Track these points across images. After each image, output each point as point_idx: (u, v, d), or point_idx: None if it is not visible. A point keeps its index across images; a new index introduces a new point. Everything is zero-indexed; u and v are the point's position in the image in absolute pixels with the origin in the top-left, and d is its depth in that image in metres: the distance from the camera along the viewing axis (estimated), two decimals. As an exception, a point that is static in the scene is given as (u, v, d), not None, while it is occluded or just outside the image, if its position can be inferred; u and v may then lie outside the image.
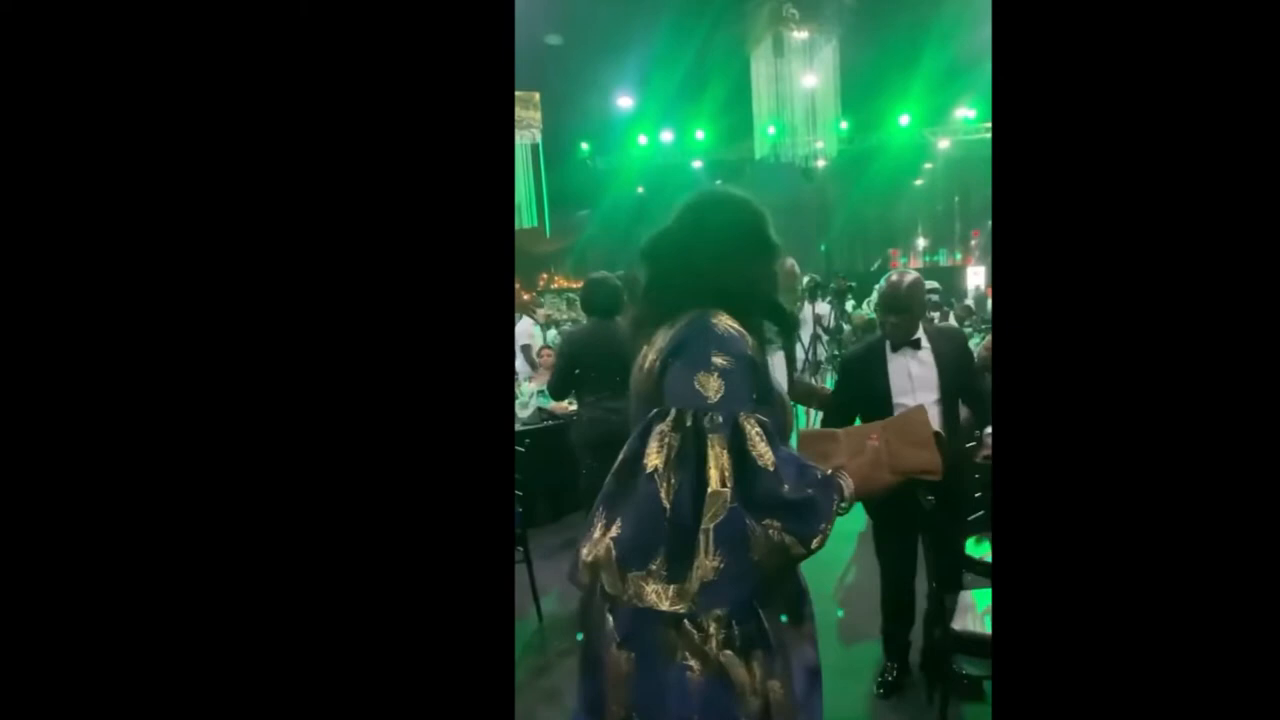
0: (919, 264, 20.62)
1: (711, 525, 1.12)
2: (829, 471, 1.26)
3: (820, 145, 12.46)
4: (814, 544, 1.18)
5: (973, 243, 20.98)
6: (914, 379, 2.39)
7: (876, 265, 20.17)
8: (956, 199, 20.51)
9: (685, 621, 1.16)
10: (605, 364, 3.33)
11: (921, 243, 22.15)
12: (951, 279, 15.55)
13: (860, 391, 2.42)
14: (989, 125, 14.70)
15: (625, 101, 14.15)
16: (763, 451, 1.16)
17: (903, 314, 2.42)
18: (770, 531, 1.14)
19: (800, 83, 10.65)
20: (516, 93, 10.96)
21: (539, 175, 10.46)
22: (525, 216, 9.86)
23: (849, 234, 19.91)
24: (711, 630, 1.16)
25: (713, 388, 1.18)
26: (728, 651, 1.17)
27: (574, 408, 3.70)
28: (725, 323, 1.25)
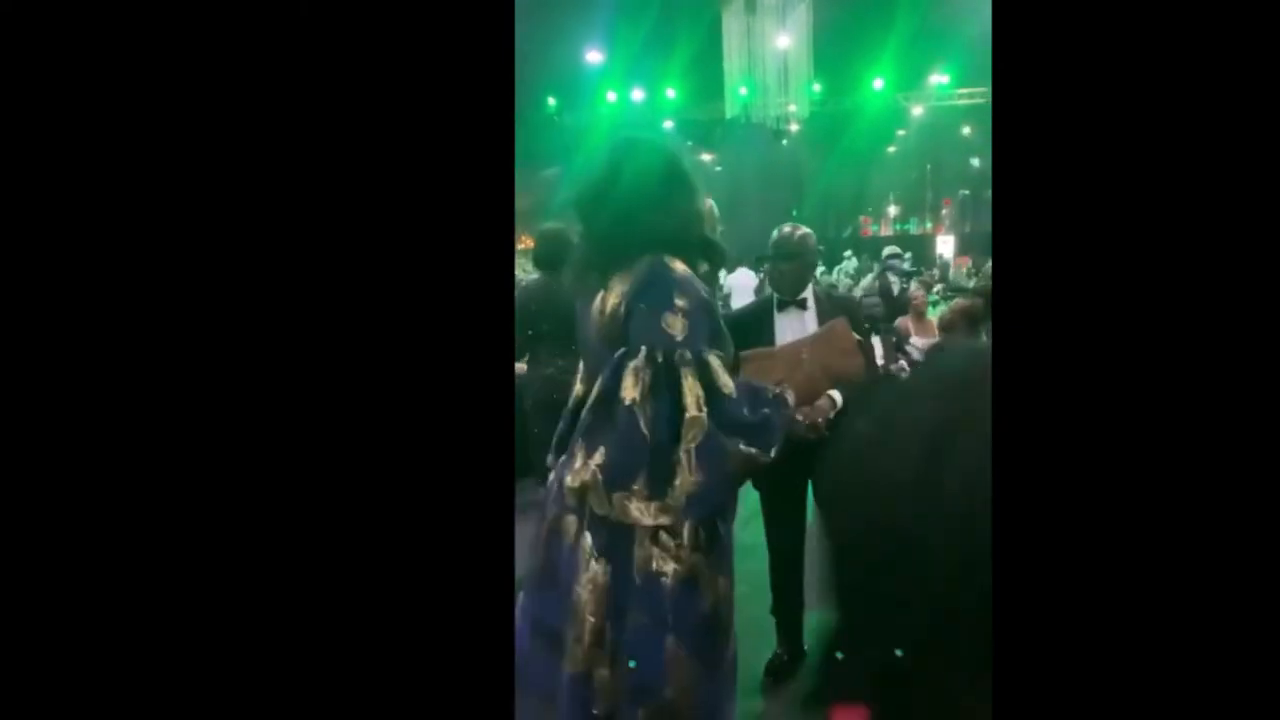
0: (890, 232, 20.61)
1: (692, 446, 1.29)
2: (776, 390, 1.47)
3: (793, 108, 12.30)
4: (773, 452, 1.39)
5: (943, 211, 21.00)
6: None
7: (848, 232, 20.14)
8: (929, 166, 20.47)
9: (662, 533, 1.31)
10: (560, 322, 3.14)
11: (893, 210, 22.15)
12: (922, 247, 15.53)
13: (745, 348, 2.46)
14: (962, 92, 14.61)
15: (594, 57, 13.81)
16: (726, 381, 1.34)
17: (792, 261, 2.46)
18: (740, 446, 1.33)
19: (773, 42, 10.44)
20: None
21: (504, 130, 10.20)
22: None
23: (821, 200, 19.79)
24: (685, 537, 1.32)
25: (678, 327, 1.33)
26: (697, 554, 1.34)
27: (524, 369, 3.52)
28: (680, 267, 1.38)
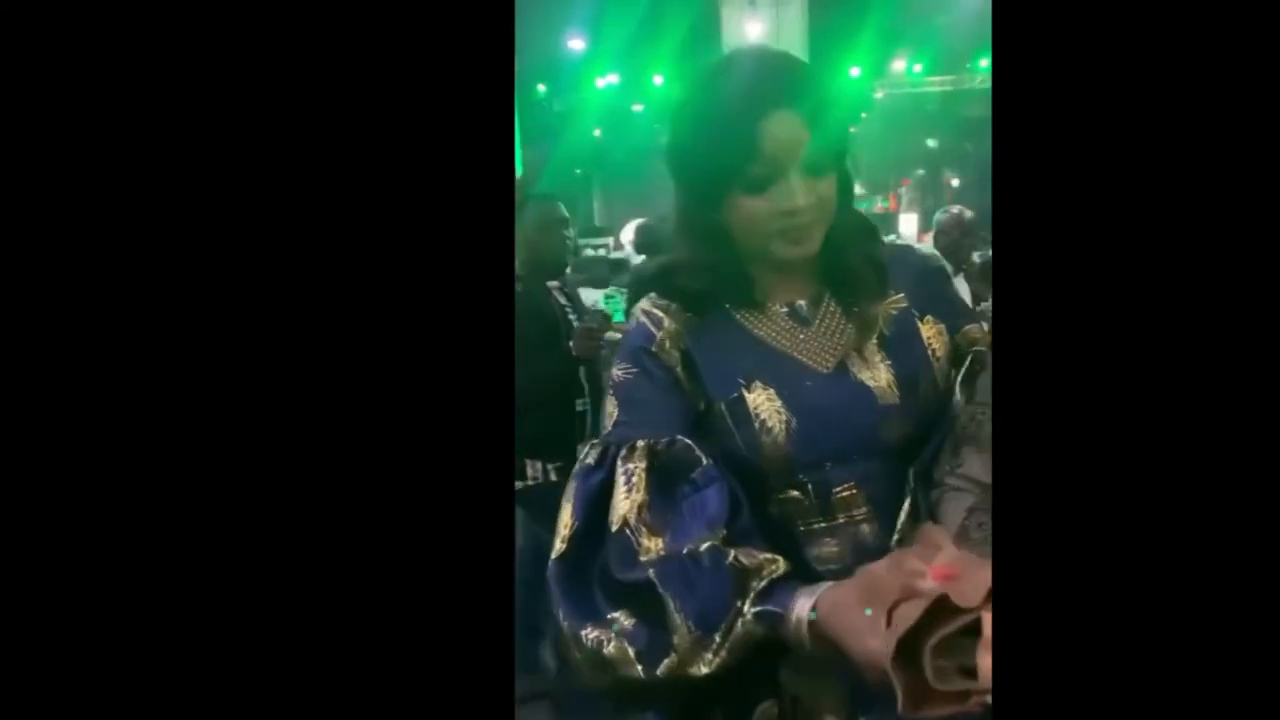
0: (849, 211, 21.09)
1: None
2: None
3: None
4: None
5: (901, 190, 21.66)
6: None
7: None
8: (890, 149, 21.13)
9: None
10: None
11: (858, 190, 22.72)
12: (885, 225, 16.14)
13: None
14: (932, 79, 15.21)
15: (576, 44, 14.01)
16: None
17: None
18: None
19: (767, 32, 10.80)
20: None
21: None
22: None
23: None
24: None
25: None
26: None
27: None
28: None
